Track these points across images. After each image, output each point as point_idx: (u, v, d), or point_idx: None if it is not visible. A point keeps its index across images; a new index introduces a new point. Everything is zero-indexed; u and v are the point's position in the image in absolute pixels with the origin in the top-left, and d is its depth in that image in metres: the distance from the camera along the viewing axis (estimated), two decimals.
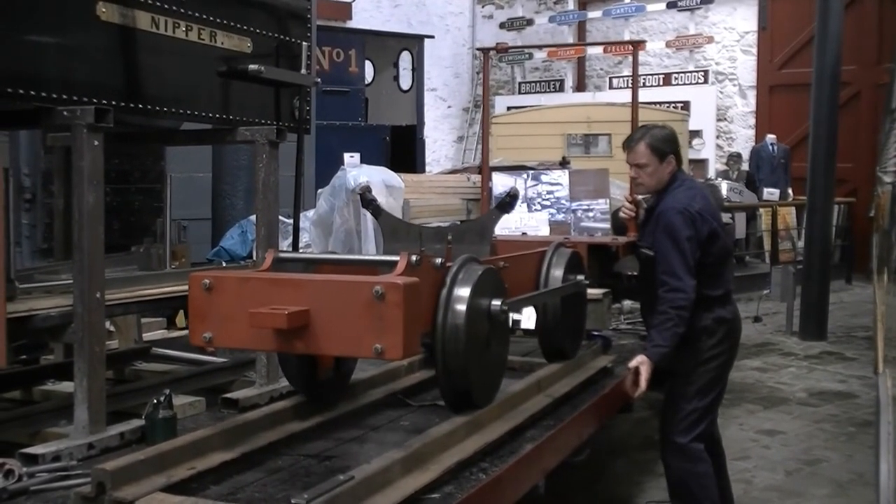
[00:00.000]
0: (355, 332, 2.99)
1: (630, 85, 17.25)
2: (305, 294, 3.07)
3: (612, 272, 5.66)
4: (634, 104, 6.04)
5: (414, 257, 3.20)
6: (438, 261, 3.44)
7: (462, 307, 3.42)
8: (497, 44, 5.76)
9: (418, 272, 3.17)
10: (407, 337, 2.94)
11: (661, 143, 4.46)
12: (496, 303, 3.57)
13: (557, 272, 4.50)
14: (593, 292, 6.18)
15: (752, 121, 17.41)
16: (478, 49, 5.70)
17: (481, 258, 3.81)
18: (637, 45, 5.84)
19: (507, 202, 4.38)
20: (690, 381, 4.39)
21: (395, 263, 3.19)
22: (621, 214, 5.09)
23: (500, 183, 9.38)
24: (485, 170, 6.46)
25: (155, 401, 3.57)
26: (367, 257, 3.80)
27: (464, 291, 3.44)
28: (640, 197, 4.86)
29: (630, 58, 17.92)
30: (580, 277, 4.63)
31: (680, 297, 4.23)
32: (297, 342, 3.08)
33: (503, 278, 3.81)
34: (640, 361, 4.28)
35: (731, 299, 4.53)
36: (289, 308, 2.99)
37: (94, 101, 3.59)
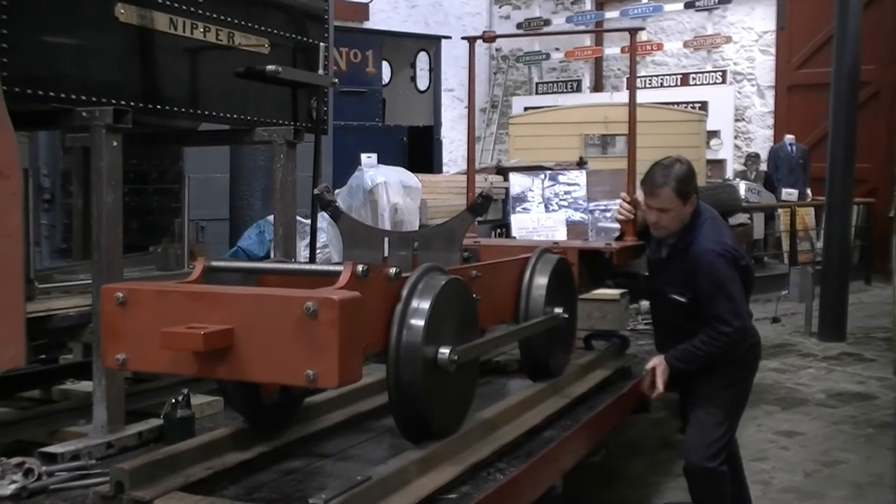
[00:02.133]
0: (284, 356, 2.60)
1: (648, 85, 17.30)
2: (229, 311, 2.69)
3: (629, 273, 5.56)
4: (632, 94, 5.50)
5: (360, 267, 2.79)
6: (392, 271, 3.01)
7: (419, 322, 2.99)
8: (484, 32, 5.57)
9: (366, 284, 2.78)
10: (344, 361, 2.55)
11: (686, 186, 4.24)
12: (444, 351, 3.07)
13: (541, 280, 4.08)
14: (611, 293, 6.17)
15: (771, 121, 17.34)
16: (463, 38, 5.45)
17: (450, 266, 3.48)
18: (634, 32, 5.50)
19: (480, 204, 3.97)
20: (718, 405, 4.31)
21: None
22: (618, 216, 4.86)
23: (518, 183, 9.37)
24: (470, 169, 5.87)
25: (173, 400, 3.59)
26: (316, 267, 3.28)
27: (423, 305, 3.02)
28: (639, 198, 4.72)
29: (648, 58, 18.02)
30: (558, 310, 4.12)
31: (724, 341, 4.16)
32: (220, 367, 2.70)
33: (476, 289, 3.43)
34: (658, 363, 4.27)
35: (751, 324, 4.44)
36: (207, 327, 2.62)
37: (113, 101, 3.61)
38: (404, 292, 3.03)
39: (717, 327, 4.15)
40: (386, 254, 3.75)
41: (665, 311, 4.49)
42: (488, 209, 3.89)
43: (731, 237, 4.42)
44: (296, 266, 3.25)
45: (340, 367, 2.54)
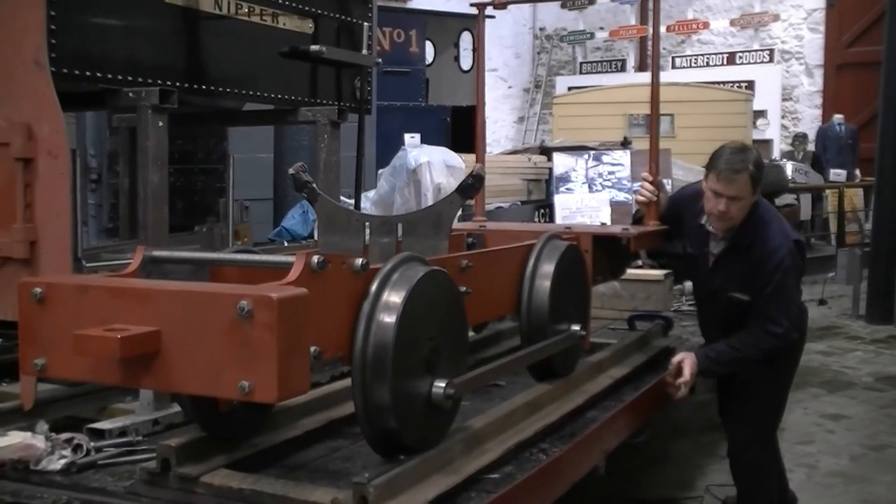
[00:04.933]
0: (214, 364, 2.27)
1: (694, 64, 17.09)
2: (156, 310, 2.35)
3: (673, 253, 5.46)
4: (655, 62, 5.22)
5: (316, 258, 2.43)
6: (358, 263, 2.61)
7: (391, 320, 2.60)
8: None
9: (323, 278, 2.45)
10: (285, 370, 2.22)
11: (760, 173, 3.94)
12: (440, 384, 2.78)
13: (547, 269, 3.66)
14: (655, 273, 6.13)
15: (819, 100, 17.11)
16: (471, 4, 5.27)
17: (436, 255, 3.16)
18: None
19: (471, 185, 3.49)
20: (772, 394, 4.26)
21: None
22: (639, 198, 4.55)
23: (561, 163, 9.33)
24: (479, 146, 5.49)
25: None
26: (269, 258, 2.85)
27: (395, 299, 2.63)
28: (662, 179, 4.56)
29: (694, 37, 17.82)
30: (575, 328, 3.79)
31: (771, 344, 4.00)
32: (145, 376, 2.38)
33: (468, 281, 3.09)
34: (686, 359, 4.11)
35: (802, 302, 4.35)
36: (128, 329, 2.30)
37: (159, 82, 3.64)
38: (373, 287, 2.65)
39: (767, 327, 3.97)
40: (367, 241, 3.39)
41: (718, 310, 4.25)
42: (480, 190, 3.58)
43: (788, 225, 4.25)
44: (247, 257, 2.86)
45: (280, 378, 2.21)
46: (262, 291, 2.26)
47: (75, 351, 2.33)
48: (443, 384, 2.79)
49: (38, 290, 2.47)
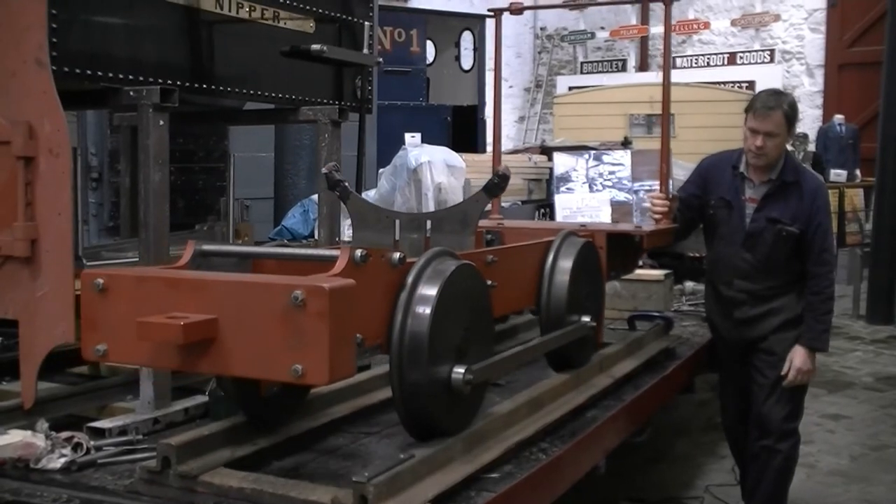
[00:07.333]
0: (269, 349, 2.44)
1: (694, 64, 17.07)
2: (212, 299, 2.52)
3: (674, 253, 5.48)
4: (666, 67, 5.27)
5: (359, 252, 2.60)
6: (396, 256, 2.78)
7: (426, 310, 2.78)
8: (511, 3, 5.49)
9: (364, 271, 2.61)
10: (335, 355, 2.38)
11: (794, 113, 4.29)
12: (459, 370, 2.91)
13: (565, 265, 3.84)
14: (655, 273, 6.13)
15: (820, 100, 17.08)
16: (489, 10, 5.39)
17: (463, 250, 3.31)
18: (669, 1, 5.09)
19: (496, 184, 3.64)
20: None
21: None
22: (654, 214, 4.69)
23: (562, 163, 9.32)
24: (496, 147, 5.55)
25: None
26: (312, 251, 3.07)
27: (430, 291, 2.81)
28: (674, 193, 4.71)
29: (694, 37, 17.79)
30: (585, 319, 3.93)
31: (833, 277, 4.30)
32: (202, 360, 2.55)
33: (492, 275, 3.24)
34: (797, 355, 4.33)
35: None
36: (189, 317, 2.46)
37: (160, 81, 3.63)
38: (409, 279, 2.83)
39: (830, 262, 4.26)
40: (396, 237, 3.58)
41: (759, 249, 4.33)
42: (505, 189, 3.73)
43: None
44: (291, 251, 3.04)
45: (331, 362, 2.38)
46: (314, 282, 2.42)
47: (139, 337, 2.49)
48: (462, 370, 2.91)
49: (100, 280, 2.64)
